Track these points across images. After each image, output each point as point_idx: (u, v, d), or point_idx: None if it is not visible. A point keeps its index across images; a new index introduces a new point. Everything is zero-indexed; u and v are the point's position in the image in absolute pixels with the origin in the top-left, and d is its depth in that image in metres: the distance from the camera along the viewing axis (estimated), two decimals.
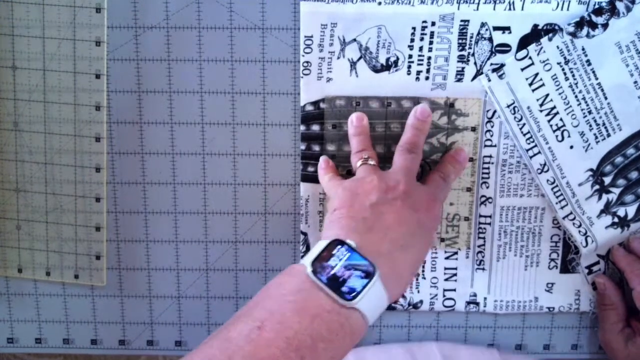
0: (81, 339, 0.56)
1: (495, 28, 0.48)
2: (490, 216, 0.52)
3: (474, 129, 0.50)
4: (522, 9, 0.48)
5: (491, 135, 0.50)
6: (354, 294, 0.38)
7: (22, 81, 0.51)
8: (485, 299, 0.54)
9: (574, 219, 0.51)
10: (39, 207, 0.53)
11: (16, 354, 0.57)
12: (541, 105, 0.49)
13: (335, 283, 0.39)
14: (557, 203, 0.51)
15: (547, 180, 0.50)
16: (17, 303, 0.56)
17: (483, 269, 0.53)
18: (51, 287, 0.55)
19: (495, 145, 0.51)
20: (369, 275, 0.39)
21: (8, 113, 0.52)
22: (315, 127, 0.51)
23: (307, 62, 0.50)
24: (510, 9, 0.48)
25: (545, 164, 0.50)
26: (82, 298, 0.55)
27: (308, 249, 0.53)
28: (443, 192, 0.49)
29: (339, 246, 0.40)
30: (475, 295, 0.54)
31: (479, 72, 0.49)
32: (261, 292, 0.40)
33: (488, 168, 0.51)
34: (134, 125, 0.52)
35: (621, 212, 0.51)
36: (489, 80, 0.49)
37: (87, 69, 0.51)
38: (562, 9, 0.48)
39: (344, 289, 0.39)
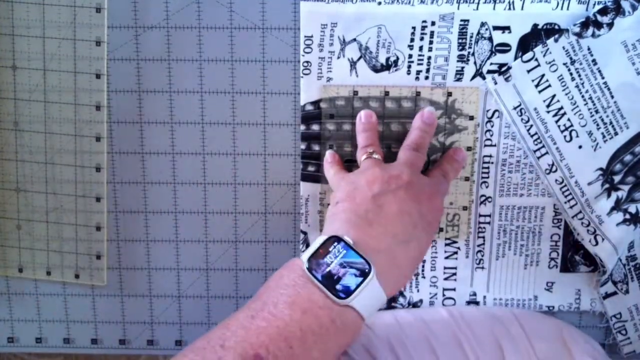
0: (81, 339, 0.56)
1: (495, 28, 0.48)
2: (489, 215, 0.52)
3: (473, 129, 0.50)
4: (522, 9, 0.48)
5: (491, 135, 0.50)
6: (347, 293, 0.39)
7: (23, 81, 0.51)
8: (484, 297, 0.54)
9: (583, 218, 0.51)
10: (40, 206, 0.53)
11: (16, 353, 0.57)
12: (548, 106, 0.49)
13: (330, 281, 0.39)
14: (565, 202, 0.51)
15: (556, 180, 0.50)
16: (18, 303, 0.56)
17: (482, 267, 0.53)
18: (51, 287, 0.55)
19: (495, 145, 0.51)
20: (364, 274, 0.39)
21: (8, 113, 0.52)
22: (315, 127, 0.51)
23: (307, 62, 0.50)
24: (510, 8, 0.48)
25: (553, 165, 0.50)
26: (83, 298, 0.55)
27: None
28: (444, 187, 0.49)
29: (336, 243, 0.40)
30: (474, 294, 0.54)
31: (478, 72, 0.49)
32: (264, 284, 0.41)
33: (488, 167, 0.51)
34: (134, 125, 0.52)
35: (632, 209, 0.51)
36: (495, 83, 0.49)
37: (87, 69, 0.51)
38: (562, 9, 0.48)
39: (338, 287, 0.39)
